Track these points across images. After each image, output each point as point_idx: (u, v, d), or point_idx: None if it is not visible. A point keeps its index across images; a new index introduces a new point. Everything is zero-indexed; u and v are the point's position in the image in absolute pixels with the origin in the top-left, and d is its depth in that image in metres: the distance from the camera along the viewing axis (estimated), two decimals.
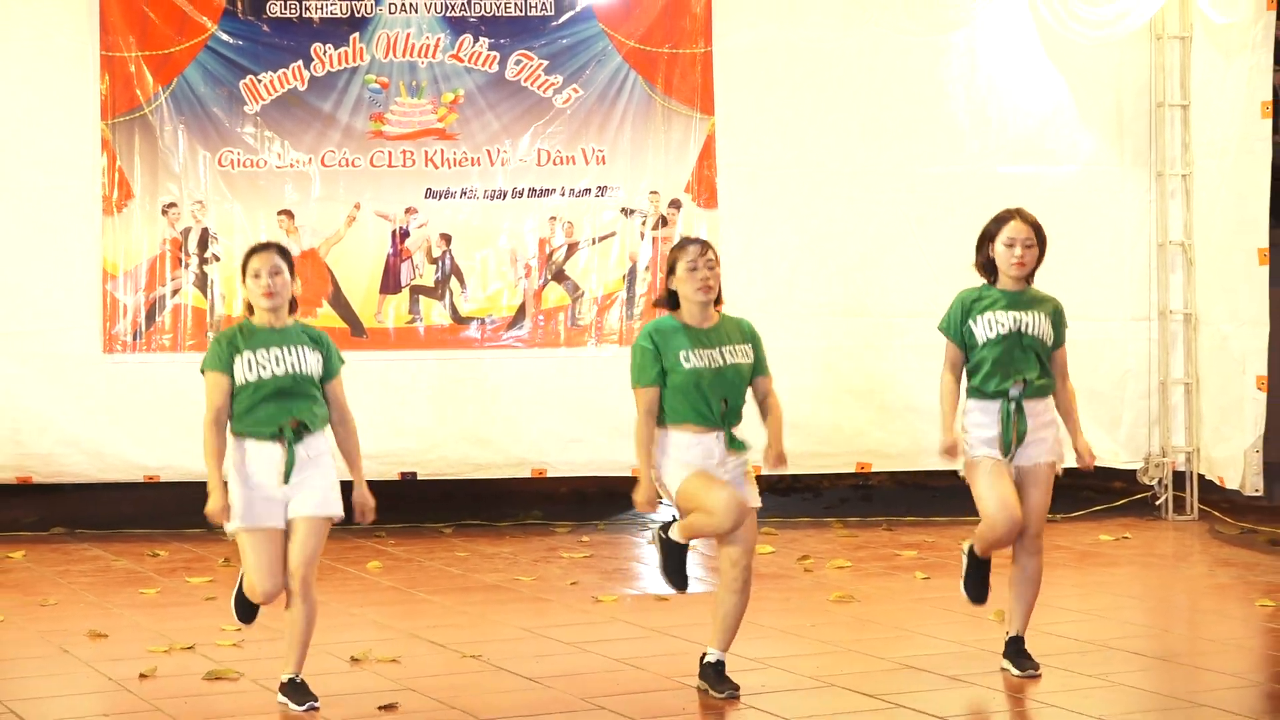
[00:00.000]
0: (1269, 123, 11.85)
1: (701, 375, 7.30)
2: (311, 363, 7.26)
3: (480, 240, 12.49)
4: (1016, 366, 7.74)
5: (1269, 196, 11.89)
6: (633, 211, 12.52)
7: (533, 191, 12.50)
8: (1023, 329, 7.76)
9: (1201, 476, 12.55)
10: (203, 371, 7.27)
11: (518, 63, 12.42)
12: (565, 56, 12.43)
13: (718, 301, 7.46)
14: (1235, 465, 12.00)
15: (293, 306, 7.38)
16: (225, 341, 7.26)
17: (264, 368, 7.18)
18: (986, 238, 7.92)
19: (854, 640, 8.53)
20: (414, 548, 11.65)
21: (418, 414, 12.29)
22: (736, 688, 7.45)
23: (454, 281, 12.45)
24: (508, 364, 12.37)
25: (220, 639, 8.80)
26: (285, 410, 7.18)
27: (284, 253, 7.36)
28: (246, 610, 7.55)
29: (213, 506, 7.15)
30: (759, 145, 12.48)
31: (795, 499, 13.37)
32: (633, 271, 12.48)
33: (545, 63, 12.42)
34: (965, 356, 7.83)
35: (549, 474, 12.64)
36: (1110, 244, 12.61)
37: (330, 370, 7.35)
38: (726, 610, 7.52)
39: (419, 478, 12.43)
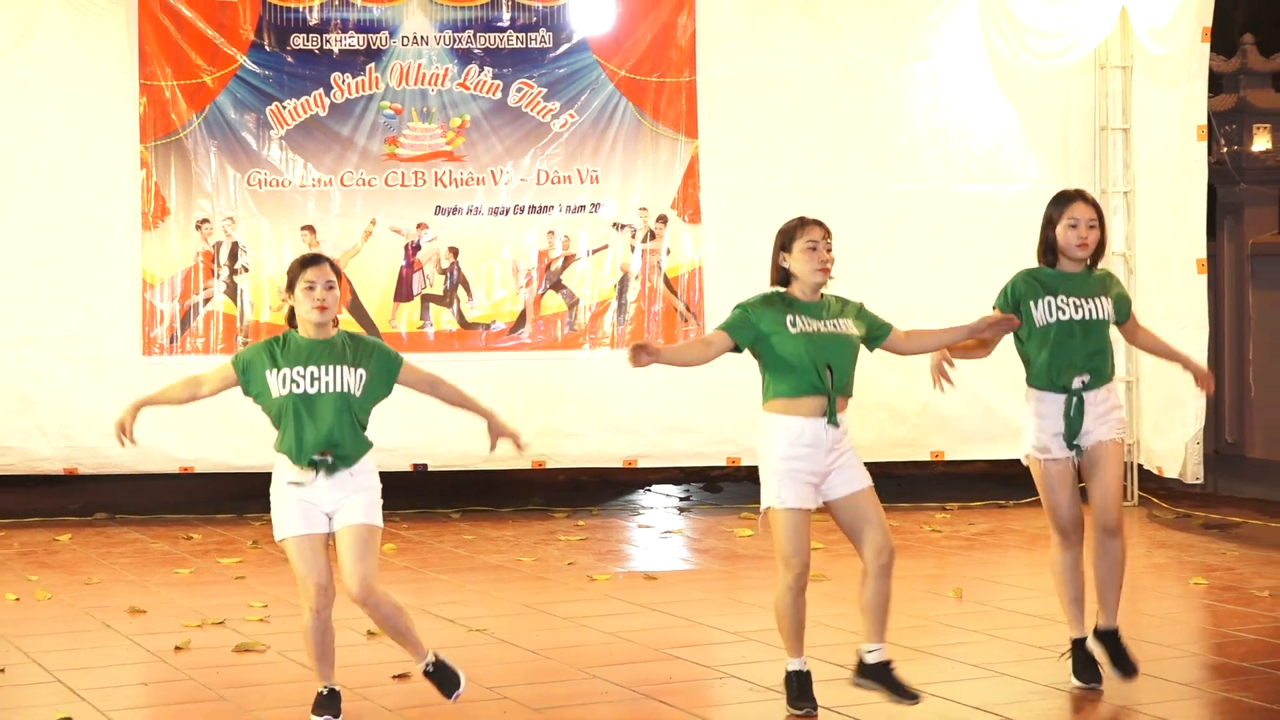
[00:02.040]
0: (1204, 145, 11.87)
1: (810, 340, 6.63)
2: (351, 382, 6.57)
3: (485, 253, 12.47)
4: (1077, 356, 7.06)
5: (1205, 212, 11.90)
6: (624, 226, 12.50)
7: (533, 208, 12.48)
8: (1085, 315, 7.09)
9: (1141, 466, 12.55)
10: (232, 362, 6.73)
11: (519, 91, 12.40)
12: (562, 85, 12.42)
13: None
14: (1175, 456, 11.99)
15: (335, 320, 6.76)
16: (263, 351, 6.62)
17: (298, 384, 6.54)
18: (1047, 222, 7.18)
19: (826, 615, 8.50)
20: (425, 532, 11.64)
21: (428, 411, 12.05)
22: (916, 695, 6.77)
23: (461, 290, 12.44)
24: (510, 365, 12.35)
25: (249, 615, 8.79)
26: (319, 432, 6.50)
27: (334, 267, 6.72)
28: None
29: (118, 419, 6.70)
30: (739, 165, 12.48)
31: None
32: (624, 281, 12.47)
33: (544, 91, 12.41)
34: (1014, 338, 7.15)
35: (548, 465, 12.63)
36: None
37: (386, 377, 6.70)
38: (870, 597, 6.85)
39: (430, 469, 12.42)
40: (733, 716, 6.90)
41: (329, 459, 6.51)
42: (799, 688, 6.80)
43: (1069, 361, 7.06)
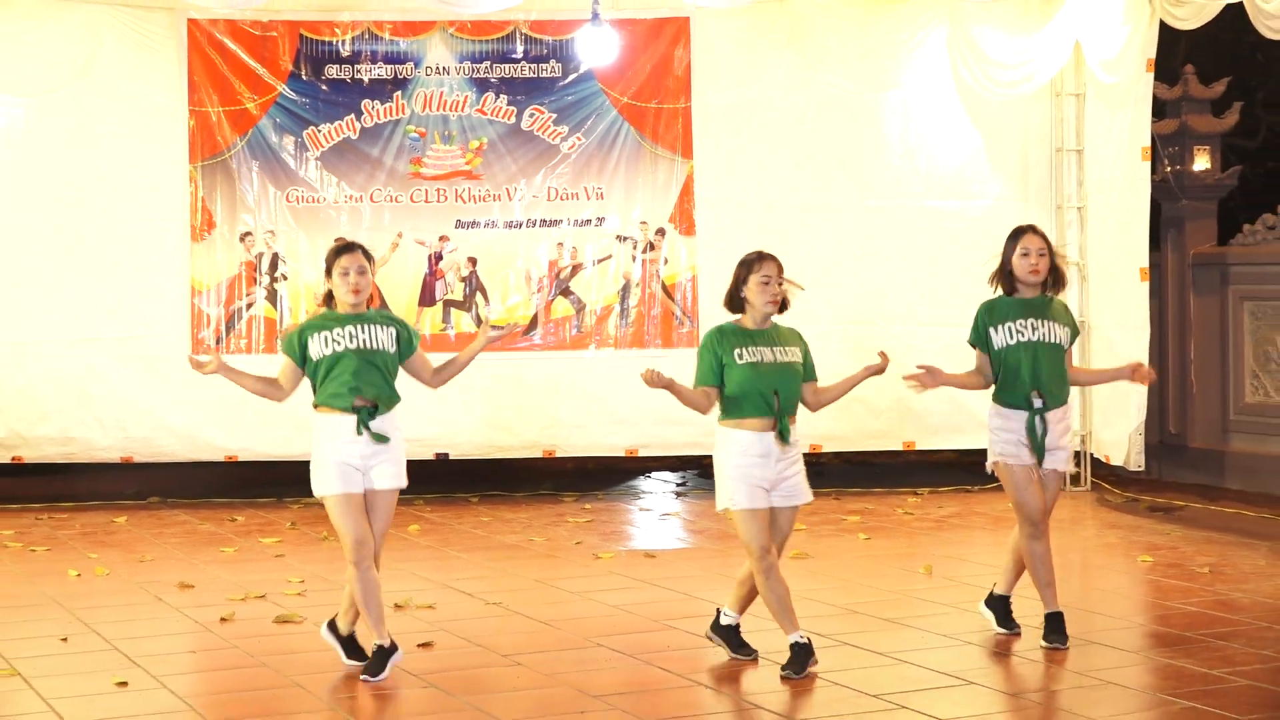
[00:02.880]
0: (1148, 164, 11.89)
1: (757, 369, 6.83)
2: (384, 339, 6.78)
3: (501, 262, 12.45)
4: (1037, 374, 7.15)
5: (1148, 225, 11.90)
6: (626, 238, 12.48)
7: (544, 222, 12.46)
8: (1040, 337, 7.17)
9: (1092, 455, 12.54)
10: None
11: (531, 116, 12.38)
12: (570, 111, 12.40)
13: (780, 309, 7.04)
14: (1121, 446, 11.99)
15: (372, 299, 6.97)
16: (298, 332, 6.81)
17: (337, 343, 6.71)
18: (1004, 258, 7.27)
19: (808, 590, 8.50)
20: (446, 514, 11.63)
21: (449, 405, 12.23)
22: (753, 651, 7.13)
23: (479, 296, 12.41)
24: (523, 364, 12.33)
25: (288, 589, 8.78)
26: (356, 385, 6.69)
27: (367, 253, 6.88)
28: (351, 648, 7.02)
29: (214, 359, 6.80)
30: (730, 183, 12.46)
31: None
32: (626, 288, 12.45)
33: (554, 116, 12.39)
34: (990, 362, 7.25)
35: (557, 454, 12.62)
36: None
37: (408, 346, 6.88)
38: (746, 578, 7.12)
39: (451, 457, 12.41)
40: (724, 681, 6.88)
41: (369, 407, 6.68)
42: (800, 656, 6.83)
43: (1029, 380, 7.16)
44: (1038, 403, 7.16)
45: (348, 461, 6.73)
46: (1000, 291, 7.36)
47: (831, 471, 13.37)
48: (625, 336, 12.36)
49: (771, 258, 7.03)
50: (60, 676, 6.97)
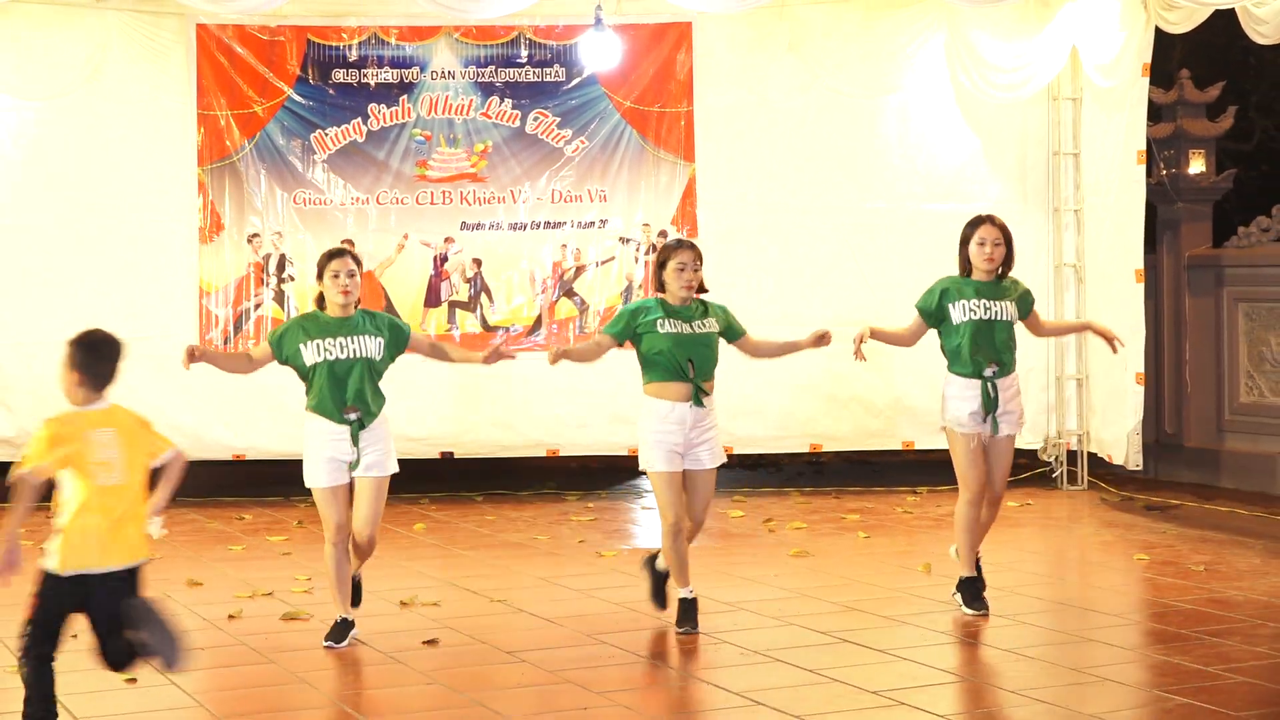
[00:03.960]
0: (1143, 168, 11.87)
1: (676, 339, 7.40)
2: (373, 348, 7.26)
3: (505, 263, 12.45)
4: (988, 348, 7.78)
5: (1143, 227, 11.89)
6: (629, 240, 12.48)
7: (548, 224, 12.46)
8: (993, 316, 7.78)
9: (1091, 454, 12.53)
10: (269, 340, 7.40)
11: (535, 119, 12.38)
12: (574, 114, 12.40)
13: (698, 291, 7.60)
14: (1120, 445, 11.98)
15: (360, 300, 7.44)
16: (294, 328, 7.32)
17: (329, 352, 7.20)
18: (963, 241, 7.94)
19: (808, 587, 8.51)
20: (452, 513, 11.63)
21: (454, 405, 12.24)
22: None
23: (484, 297, 12.41)
24: (527, 364, 12.29)
25: (294, 586, 8.78)
26: (344, 393, 7.19)
27: (356, 258, 7.39)
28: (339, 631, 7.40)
29: (189, 347, 7.17)
30: (731, 186, 12.45)
31: (760, 473, 13.35)
32: (629, 289, 12.44)
33: (558, 119, 12.39)
34: (929, 330, 7.92)
35: (561, 453, 12.62)
36: (1015, 267, 12.50)
37: (398, 343, 7.39)
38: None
39: (455, 456, 12.41)
40: (726, 677, 6.88)
41: (359, 418, 7.18)
42: (685, 612, 7.52)
43: (981, 353, 7.76)
44: (988, 371, 7.75)
45: (336, 457, 7.26)
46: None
47: (831, 471, 13.38)
48: None
49: (689, 245, 7.61)
50: (69, 673, 6.95)
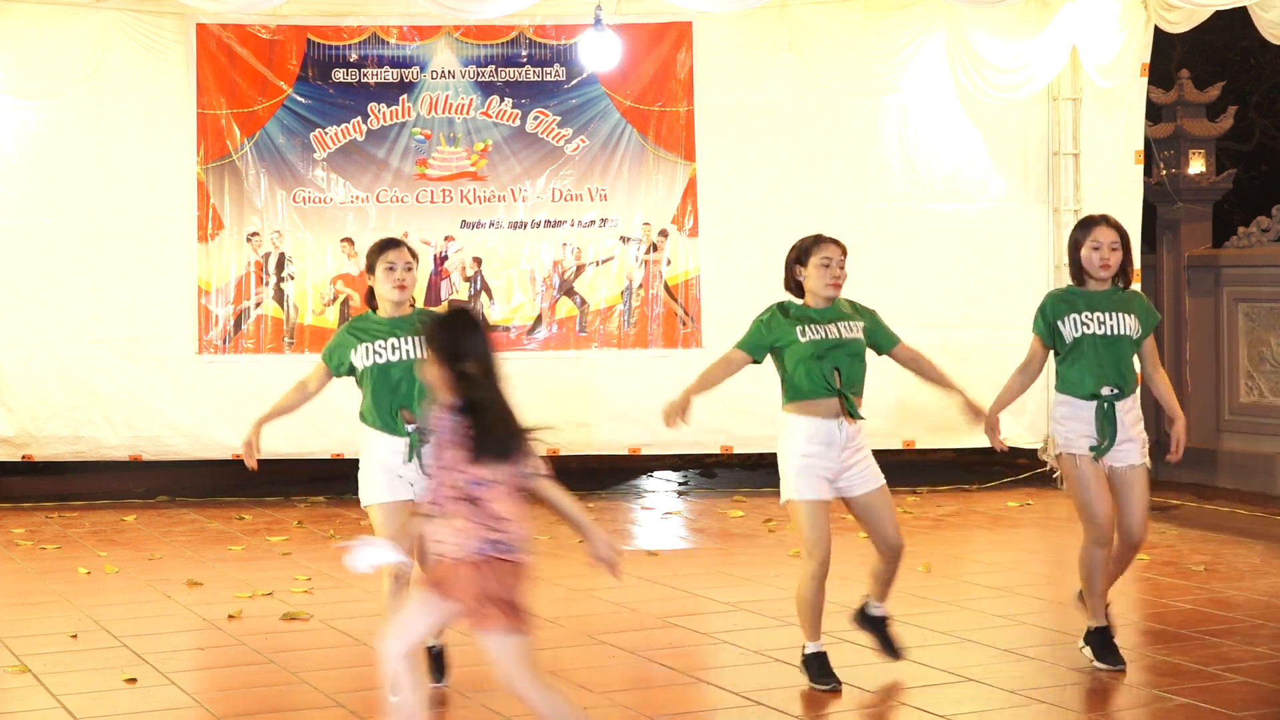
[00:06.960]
0: (1141, 168, 11.92)
1: (818, 346, 6.56)
2: (419, 350, 6.35)
3: (506, 262, 12.45)
4: (1103, 367, 6.78)
5: (1141, 227, 11.90)
6: (629, 239, 12.48)
7: (548, 223, 12.46)
8: (1109, 331, 6.78)
9: None
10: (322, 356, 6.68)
11: (536, 118, 12.37)
12: (574, 114, 12.39)
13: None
14: None
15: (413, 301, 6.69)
16: (344, 336, 6.57)
17: (380, 355, 6.44)
18: (1073, 245, 6.87)
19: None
20: None
21: None
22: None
23: (484, 296, 12.41)
24: (527, 364, 12.32)
25: (294, 587, 8.78)
26: (399, 399, 6.43)
27: (412, 250, 6.58)
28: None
29: (244, 437, 6.68)
30: (732, 185, 12.45)
31: (760, 473, 13.34)
32: (629, 288, 12.44)
33: (558, 119, 12.39)
34: (1052, 353, 6.89)
35: (561, 452, 12.50)
36: (1015, 266, 12.56)
37: None
38: (879, 572, 6.94)
39: None
40: (727, 678, 6.89)
41: (419, 430, 6.31)
42: (819, 667, 6.67)
43: (1096, 372, 6.77)
44: (1106, 392, 6.76)
45: (394, 472, 6.46)
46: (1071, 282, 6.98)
47: None
48: (628, 337, 12.36)
49: (833, 240, 6.72)
50: (70, 673, 6.97)
